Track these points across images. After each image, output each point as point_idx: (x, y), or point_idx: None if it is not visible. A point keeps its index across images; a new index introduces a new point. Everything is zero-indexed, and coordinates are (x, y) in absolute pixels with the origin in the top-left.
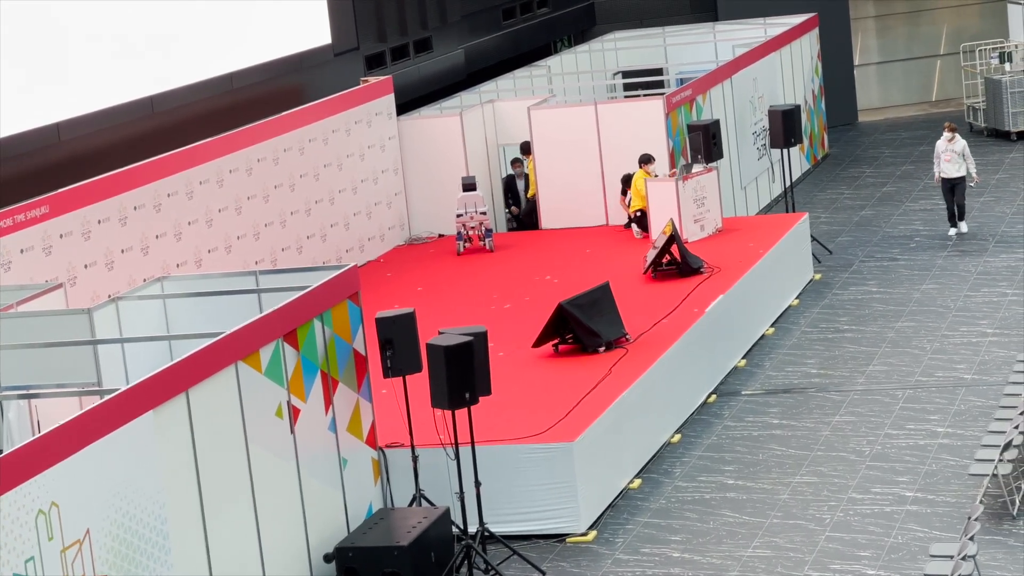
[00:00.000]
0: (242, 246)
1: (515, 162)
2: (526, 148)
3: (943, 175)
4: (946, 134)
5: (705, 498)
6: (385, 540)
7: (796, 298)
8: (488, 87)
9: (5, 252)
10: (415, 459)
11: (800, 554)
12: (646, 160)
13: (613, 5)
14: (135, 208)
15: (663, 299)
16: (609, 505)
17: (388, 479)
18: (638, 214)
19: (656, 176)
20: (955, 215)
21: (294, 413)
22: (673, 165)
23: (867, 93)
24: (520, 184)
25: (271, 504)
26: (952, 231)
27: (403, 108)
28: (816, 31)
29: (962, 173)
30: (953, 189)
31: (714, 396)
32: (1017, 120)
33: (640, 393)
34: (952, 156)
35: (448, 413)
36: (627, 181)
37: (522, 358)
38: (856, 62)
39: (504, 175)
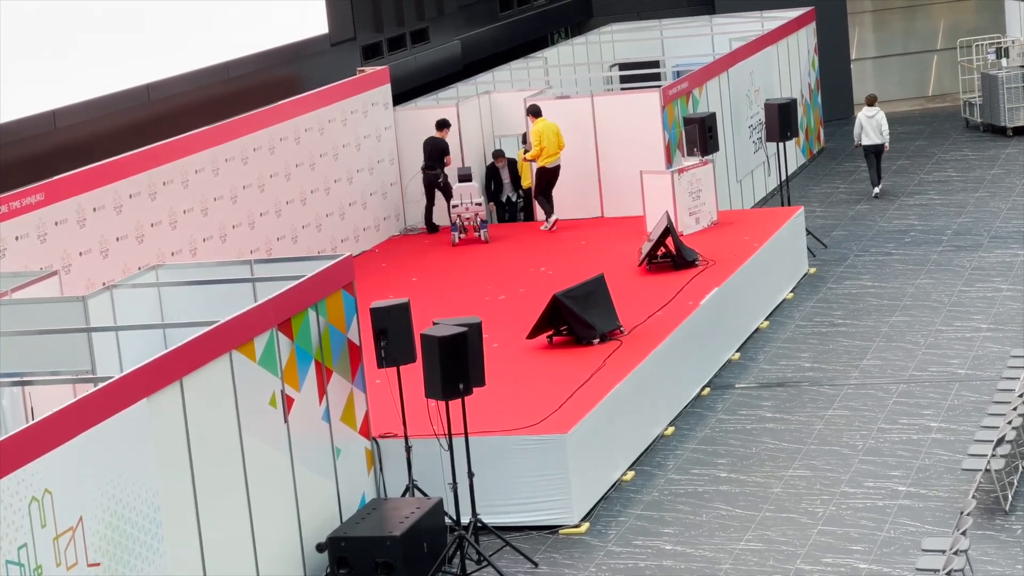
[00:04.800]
0: (237, 235)
1: (498, 155)
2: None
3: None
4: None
5: (698, 491)
6: (378, 530)
7: (791, 292)
8: (485, 78)
9: (0, 239)
10: (408, 449)
11: (792, 547)
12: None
13: None
14: (130, 196)
15: (658, 291)
16: (602, 497)
17: (381, 469)
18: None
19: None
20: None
21: (288, 402)
22: (669, 158)
23: (863, 87)
24: (505, 175)
25: (264, 493)
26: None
27: (399, 98)
28: (813, 25)
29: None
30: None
31: (708, 389)
32: (1013, 115)
33: (634, 385)
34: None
35: (442, 404)
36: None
37: (516, 349)
38: (853, 56)
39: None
